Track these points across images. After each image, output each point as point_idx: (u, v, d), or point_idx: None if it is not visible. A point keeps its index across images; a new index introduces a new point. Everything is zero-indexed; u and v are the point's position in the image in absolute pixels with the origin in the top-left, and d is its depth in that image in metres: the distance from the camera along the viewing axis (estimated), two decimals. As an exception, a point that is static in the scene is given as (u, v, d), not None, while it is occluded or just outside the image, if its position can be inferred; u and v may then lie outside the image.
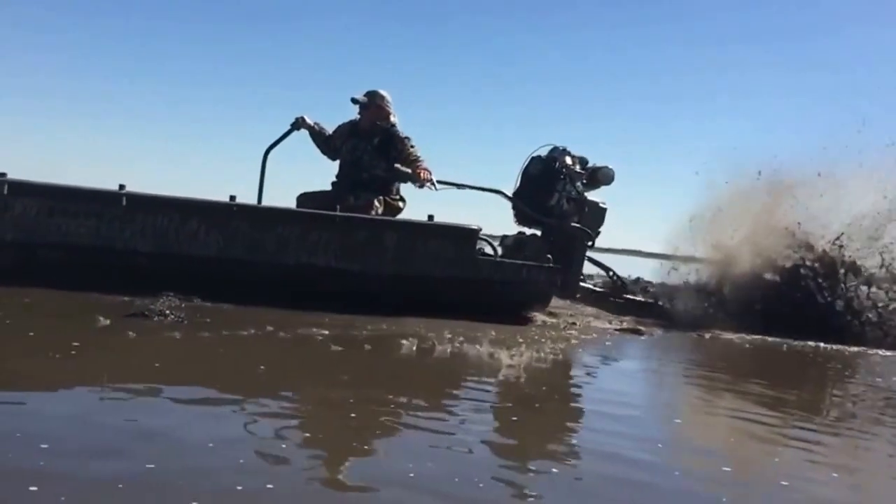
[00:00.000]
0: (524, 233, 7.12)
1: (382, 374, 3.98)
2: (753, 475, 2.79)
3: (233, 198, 5.59)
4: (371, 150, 6.28)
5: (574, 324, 6.49)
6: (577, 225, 6.91)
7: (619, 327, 6.79)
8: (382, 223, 5.95)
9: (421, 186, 6.06)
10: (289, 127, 6.36)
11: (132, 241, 5.38)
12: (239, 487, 2.05)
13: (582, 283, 7.37)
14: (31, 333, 3.80)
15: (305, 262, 5.63)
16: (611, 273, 7.80)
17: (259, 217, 5.71)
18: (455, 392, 3.73)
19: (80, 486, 1.97)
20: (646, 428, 3.43)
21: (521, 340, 5.35)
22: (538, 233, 7.14)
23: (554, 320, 6.52)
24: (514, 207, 7.09)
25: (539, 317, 6.44)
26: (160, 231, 5.43)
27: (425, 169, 6.13)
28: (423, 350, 4.56)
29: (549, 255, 6.32)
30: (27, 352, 3.48)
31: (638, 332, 6.72)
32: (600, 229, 7.08)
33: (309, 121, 6.44)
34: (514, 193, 7.12)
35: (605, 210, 7.09)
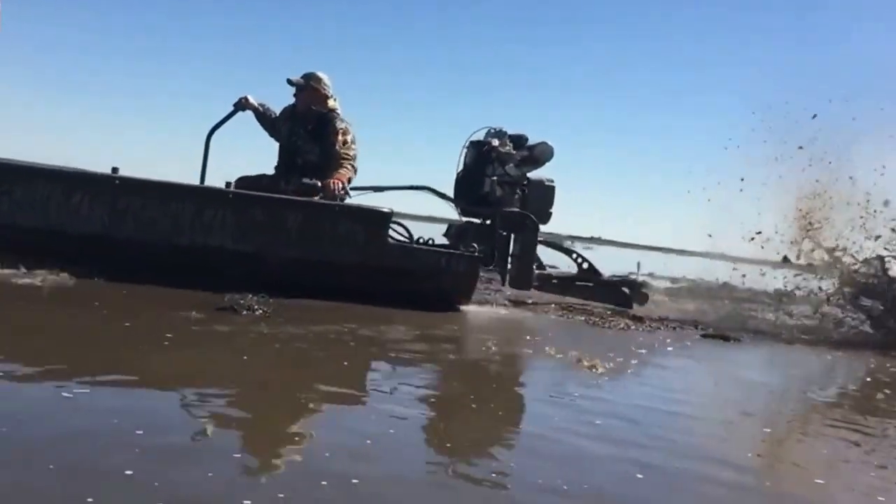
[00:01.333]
0: (473, 223, 6.69)
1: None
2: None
3: (115, 170, 5.20)
4: (305, 135, 5.94)
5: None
6: (517, 210, 6.45)
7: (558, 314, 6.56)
8: (284, 202, 5.46)
9: (336, 198, 5.67)
10: (232, 108, 5.98)
11: (10, 215, 4.94)
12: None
13: (541, 271, 6.82)
14: (127, 324, 3.88)
15: (201, 242, 5.21)
16: (574, 256, 7.22)
17: (149, 192, 5.24)
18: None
19: (172, 478, 1.96)
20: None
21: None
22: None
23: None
24: (449, 200, 6.68)
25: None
26: (40, 204, 4.98)
27: (339, 178, 5.71)
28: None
29: (474, 244, 5.90)
30: (125, 342, 3.55)
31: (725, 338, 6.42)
32: (551, 209, 6.60)
33: (253, 101, 6.06)
34: (457, 182, 6.78)
35: (551, 188, 6.58)
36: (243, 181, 5.87)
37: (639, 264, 7.78)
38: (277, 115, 6.16)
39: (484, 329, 5.46)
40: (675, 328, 6.81)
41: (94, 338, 3.59)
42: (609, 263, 8.25)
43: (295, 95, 6.03)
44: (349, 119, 6.04)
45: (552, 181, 6.57)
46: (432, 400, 3.29)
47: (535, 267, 6.62)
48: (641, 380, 4.38)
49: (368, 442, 2.45)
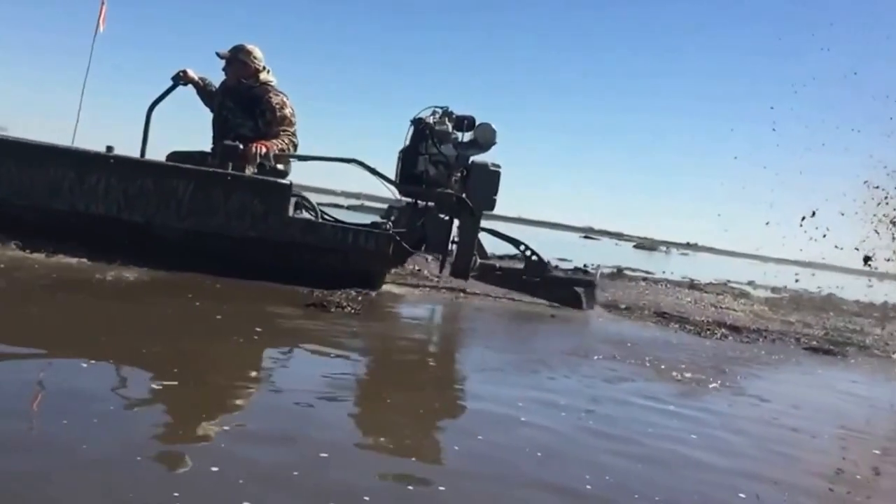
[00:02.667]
0: (417, 204, 6.18)
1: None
2: None
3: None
4: (235, 109, 5.67)
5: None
6: (452, 192, 5.99)
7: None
8: (173, 170, 5.17)
9: (254, 163, 5.39)
10: (171, 81, 5.70)
11: None
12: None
13: (484, 261, 6.34)
14: (219, 317, 3.95)
15: (83, 209, 4.94)
16: (522, 247, 6.57)
17: (26, 154, 4.98)
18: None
19: (260, 469, 1.96)
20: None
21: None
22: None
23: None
24: (379, 176, 6.09)
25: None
26: None
27: (265, 144, 5.45)
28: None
29: (387, 222, 5.64)
30: (215, 335, 3.61)
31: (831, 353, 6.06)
32: (495, 196, 6.08)
33: (193, 74, 5.77)
34: (398, 160, 6.28)
35: (496, 173, 6.08)
36: (175, 156, 5.62)
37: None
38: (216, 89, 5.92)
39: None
40: (774, 340, 6.48)
41: (185, 330, 3.64)
42: (704, 271, 7.89)
43: (224, 69, 5.79)
44: (285, 91, 5.80)
45: (498, 166, 6.09)
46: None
47: (476, 256, 6.17)
48: (745, 393, 4.17)
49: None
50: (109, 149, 5.11)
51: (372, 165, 5.88)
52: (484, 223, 6.21)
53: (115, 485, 1.74)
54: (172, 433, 2.17)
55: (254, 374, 3.02)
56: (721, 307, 8.50)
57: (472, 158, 6.10)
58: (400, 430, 2.54)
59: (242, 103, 5.66)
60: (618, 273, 11.27)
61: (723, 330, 6.40)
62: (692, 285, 11.35)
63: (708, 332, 6.24)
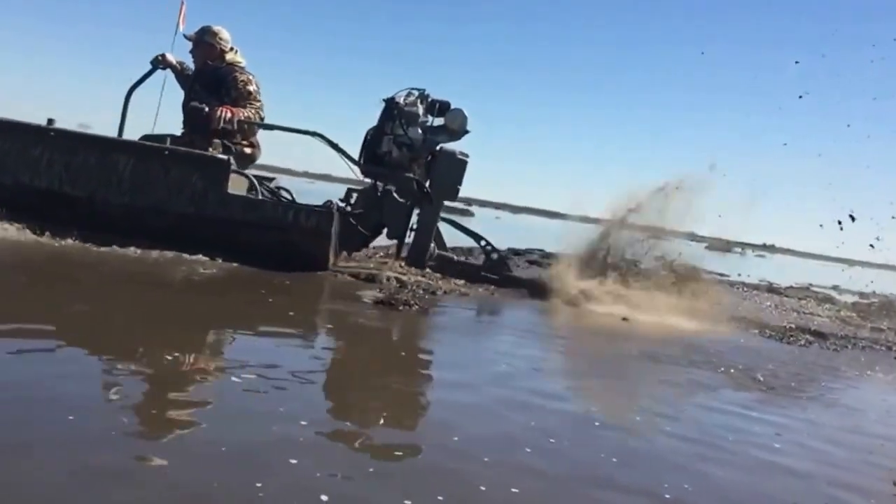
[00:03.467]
0: (377, 186, 5.92)
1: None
2: None
3: (51, 121, 5.01)
4: (201, 91, 5.59)
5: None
6: (413, 177, 5.77)
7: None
8: (113, 143, 5.12)
9: (217, 126, 5.31)
10: (150, 65, 5.65)
11: None
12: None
13: (443, 253, 6.12)
14: (291, 313, 3.97)
15: (26, 182, 4.91)
16: (483, 243, 6.37)
17: None
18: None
19: (338, 460, 1.98)
20: None
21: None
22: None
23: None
24: (340, 152, 5.83)
25: None
26: None
27: (231, 109, 5.37)
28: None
29: (333, 202, 5.42)
30: (289, 331, 3.63)
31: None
32: (459, 185, 5.90)
33: (171, 58, 5.69)
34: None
35: (462, 162, 5.85)
36: (146, 139, 5.54)
37: None
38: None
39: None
40: (864, 347, 6.19)
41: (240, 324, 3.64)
42: (783, 273, 7.56)
43: (191, 52, 5.75)
44: (255, 73, 5.74)
45: (466, 155, 5.89)
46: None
47: (433, 246, 6.00)
48: (834, 401, 4.01)
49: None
50: (50, 121, 5.07)
51: (335, 141, 5.69)
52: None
53: (202, 478, 1.76)
54: (261, 430, 2.16)
55: (331, 370, 3.03)
56: (804, 312, 8.18)
57: (441, 146, 5.90)
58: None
59: (209, 85, 5.60)
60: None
61: (807, 336, 6.16)
62: (771, 289, 10.97)
63: (791, 339, 6.02)
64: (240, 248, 4.97)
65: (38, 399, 2.08)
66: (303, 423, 2.20)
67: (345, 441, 2.18)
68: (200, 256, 4.84)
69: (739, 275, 12.69)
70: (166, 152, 5.03)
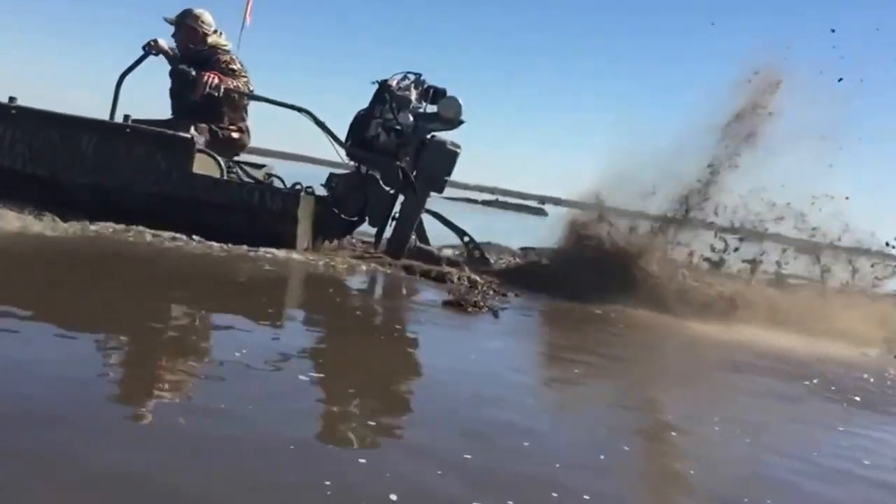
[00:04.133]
0: (360, 170, 5.72)
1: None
2: None
3: (12, 99, 4.96)
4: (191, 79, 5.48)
5: None
6: (399, 164, 5.55)
7: None
8: (76, 121, 5.04)
9: (203, 91, 5.18)
10: (142, 51, 5.55)
11: None
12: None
13: (424, 245, 5.88)
14: (359, 313, 3.97)
15: None
16: (466, 239, 6.14)
17: None
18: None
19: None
20: None
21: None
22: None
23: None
24: (327, 132, 5.64)
25: None
26: None
27: (218, 75, 5.26)
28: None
29: (302, 185, 5.25)
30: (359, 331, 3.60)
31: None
32: (447, 176, 5.68)
33: (163, 44, 5.59)
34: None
35: (452, 153, 5.62)
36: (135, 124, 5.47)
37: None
38: None
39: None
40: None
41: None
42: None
43: (173, 36, 5.66)
44: (240, 58, 5.63)
45: (457, 146, 5.68)
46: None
47: (414, 237, 5.79)
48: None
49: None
50: (12, 99, 5.01)
51: (322, 120, 5.53)
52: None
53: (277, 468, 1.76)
54: (327, 424, 2.17)
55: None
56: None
57: (434, 134, 5.66)
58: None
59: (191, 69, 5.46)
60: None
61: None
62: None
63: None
64: (208, 230, 4.88)
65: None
66: (372, 423, 2.20)
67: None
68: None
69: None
70: (128, 129, 4.96)
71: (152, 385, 2.23)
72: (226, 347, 2.78)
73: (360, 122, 5.61)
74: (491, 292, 4.75)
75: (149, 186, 4.88)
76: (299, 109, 5.56)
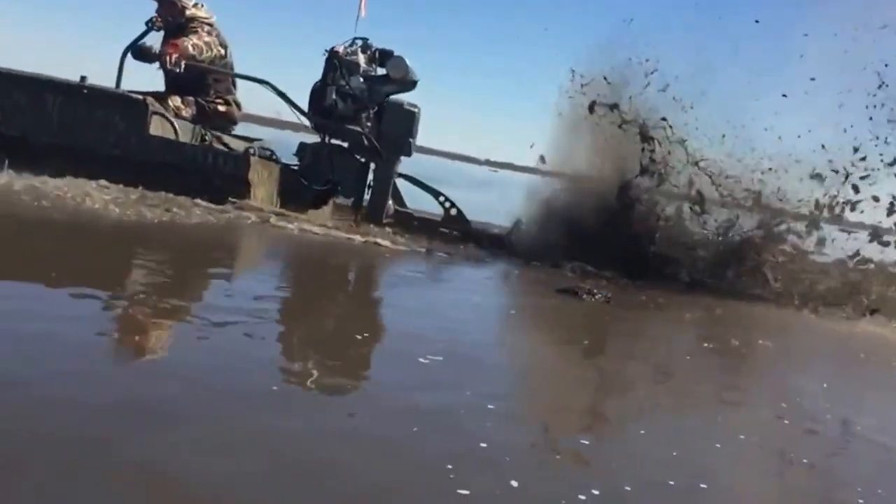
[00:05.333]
0: (325, 139, 5.91)
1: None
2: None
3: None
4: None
5: None
6: (360, 131, 5.71)
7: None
8: (42, 83, 5.22)
9: (168, 67, 5.38)
10: (145, 26, 5.76)
11: None
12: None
13: (402, 209, 6.13)
14: (477, 299, 4.09)
15: None
16: (442, 199, 6.26)
17: None
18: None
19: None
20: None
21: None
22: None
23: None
24: (289, 102, 5.82)
25: None
26: None
27: (178, 48, 5.42)
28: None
29: (255, 149, 5.48)
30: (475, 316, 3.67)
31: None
32: (411, 138, 5.82)
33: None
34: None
35: (410, 113, 5.77)
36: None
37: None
38: None
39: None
40: None
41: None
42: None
43: (157, 11, 5.78)
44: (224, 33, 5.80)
45: (414, 106, 5.82)
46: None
47: (391, 202, 5.98)
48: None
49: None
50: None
51: (282, 90, 5.73)
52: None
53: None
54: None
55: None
56: None
57: (391, 97, 5.82)
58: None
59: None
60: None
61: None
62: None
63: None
64: (167, 191, 4.97)
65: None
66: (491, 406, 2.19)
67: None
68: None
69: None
70: (85, 90, 5.13)
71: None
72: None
73: (317, 93, 5.77)
74: (604, 281, 4.90)
75: (109, 148, 5.07)
76: (260, 81, 5.80)
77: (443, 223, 6.15)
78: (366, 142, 5.70)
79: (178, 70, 5.40)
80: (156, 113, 5.19)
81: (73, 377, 1.85)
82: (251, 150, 5.44)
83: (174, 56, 5.38)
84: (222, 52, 5.72)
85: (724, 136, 6.14)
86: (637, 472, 1.90)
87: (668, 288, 5.36)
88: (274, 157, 5.55)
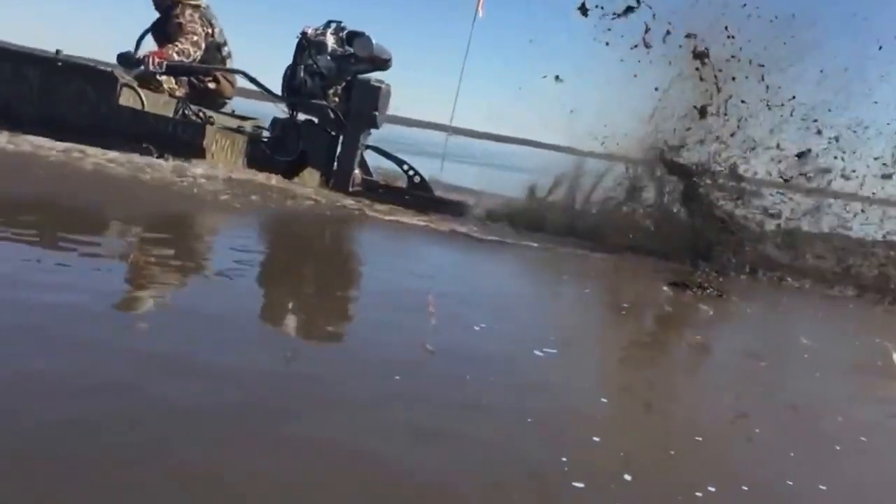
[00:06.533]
0: (293, 115, 6.32)
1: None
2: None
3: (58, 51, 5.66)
4: (154, 33, 6.18)
5: None
6: (322, 103, 6.17)
7: None
8: (25, 56, 5.76)
9: (150, 73, 5.84)
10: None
11: None
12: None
13: (368, 178, 6.49)
14: (587, 291, 4.12)
15: None
16: (406, 167, 6.57)
17: None
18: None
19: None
20: None
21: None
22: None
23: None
24: (263, 89, 6.32)
25: None
26: None
27: (160, 54, 5.85)
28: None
29: (213, 118, 5.93)
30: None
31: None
32: (375, 111, 6.15)
33: None
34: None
35: (376, 88, 6.14)
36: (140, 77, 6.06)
37: None
38: None
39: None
40: None
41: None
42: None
43: None
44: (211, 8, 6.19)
45: (382, 82, 6.18)
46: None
47: (357, 171, 6.34)
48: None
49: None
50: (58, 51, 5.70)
51: (255, 77, 6.22)
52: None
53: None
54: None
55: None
56: None
57: (361, 76, 6.16)
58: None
59: (158, 26, 6.09)
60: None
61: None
62: None
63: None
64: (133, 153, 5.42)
65: None
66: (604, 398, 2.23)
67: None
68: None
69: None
70: (59, 63, 5.61)
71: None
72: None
73: (289, 73, 6.22)
74: (714, 274, 4.83)
75: (82, 117, 5.55)
76: (234, 71, 6.42)
77: (407, 191, 6.46)
78: (332, 115, 6.11)
79: (160, 70, 5.82)
80: (126, 85, 5.64)
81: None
82: (210, 120, 5.87)
83: (156, 60, 5.79)
84: (209, 30, 6.11)
85: None
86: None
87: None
88: (263, 135, 6.14)
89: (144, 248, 3.24)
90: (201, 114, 5.97)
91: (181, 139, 5.64)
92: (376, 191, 6.33)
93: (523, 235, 5.49)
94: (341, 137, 6.21)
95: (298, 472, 1.47)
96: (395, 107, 6.44)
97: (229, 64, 6.40)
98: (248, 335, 2.32)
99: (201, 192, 4.75)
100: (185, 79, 6.00)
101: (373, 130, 6.33)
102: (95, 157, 4.99)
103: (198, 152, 5.67)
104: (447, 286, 3.69)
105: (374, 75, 6.25)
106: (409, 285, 3.43)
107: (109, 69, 5.68)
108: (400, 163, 6.59)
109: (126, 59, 5.85)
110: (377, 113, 6.15)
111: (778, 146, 5.73)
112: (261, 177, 5.71)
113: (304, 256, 3.95)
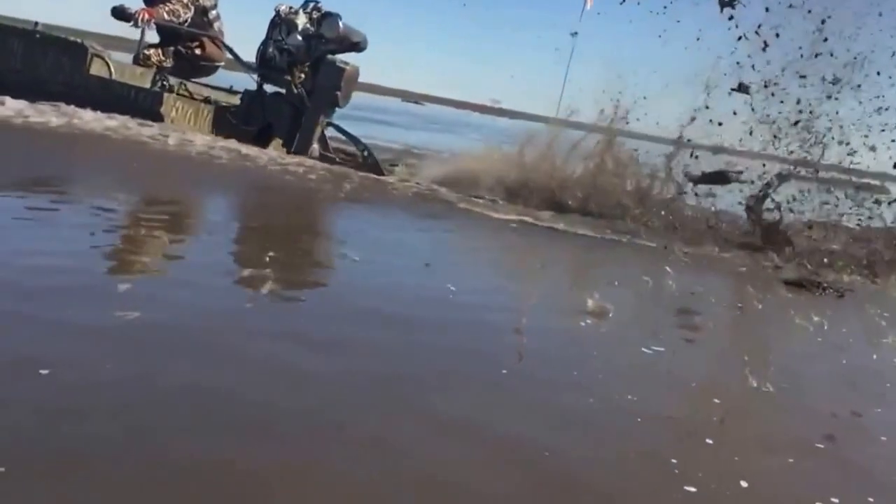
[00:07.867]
0: (261, 87, 6.81)
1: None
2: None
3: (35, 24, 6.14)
4: (149, 6, 6.44)
5: None
6: (288, 79, 6.58)
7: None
8: (9, 29, 6.26)
9: (137, 26, 6.27)
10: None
11: None
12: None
13: (326, 153, 6.81)
14: (700, 289, 4.01)
15: None
16: (361, 147, 6.92)
17: None
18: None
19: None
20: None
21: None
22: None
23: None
24: (237, 58, 6.85)
25: None
26: None
27: (149, 11, 6.25)
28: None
29: (164, 83, 6.46)
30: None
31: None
32: (339, 91, 6.54)
33: None
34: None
35: (341, 69, 6.52)
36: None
37: None
38: None
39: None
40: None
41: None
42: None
43: None
44: None
45: (347, 64, 6.56)
46: None
47: (317, 146, 6.70)
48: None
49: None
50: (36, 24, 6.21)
51: (231, 46, 6.75)
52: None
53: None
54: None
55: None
56: None
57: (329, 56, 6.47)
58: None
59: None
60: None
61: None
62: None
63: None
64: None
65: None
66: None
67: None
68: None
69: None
70: (37, 35, 6.16)
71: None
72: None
73: (262, 47, 6.60)
74: (845, 277, 4.71)
75: (57, 85, 6.10)
76: (210, 36, 6.72)
77: (359, 168, 6.74)
78: (295, 90, 6.51)
79: (148, 28, 6.26)
80: (97, 55, 6.20)
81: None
82: (168, 87, 6.45)
83: (145, 17, 6.20)
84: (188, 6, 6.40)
85: None
86: None
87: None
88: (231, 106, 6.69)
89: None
90: (167, 83, 6.45)
91: (142, 105, 6.18)
92: (334, 162, 6.66)
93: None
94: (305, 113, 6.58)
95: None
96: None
97: (217, 27, 6.74)
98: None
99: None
100: (171, 49, 6.48)
101: (338, 109, 6.67)
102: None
103: (156, 117, 6.19)
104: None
105: (350, 57, 6.61)
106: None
107: (80, 41, 6.27)
108: (356, 140, 6.89)
109: (120, 12, 6.23)
110: (339, 93, 6.51)
111: None
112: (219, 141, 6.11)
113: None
